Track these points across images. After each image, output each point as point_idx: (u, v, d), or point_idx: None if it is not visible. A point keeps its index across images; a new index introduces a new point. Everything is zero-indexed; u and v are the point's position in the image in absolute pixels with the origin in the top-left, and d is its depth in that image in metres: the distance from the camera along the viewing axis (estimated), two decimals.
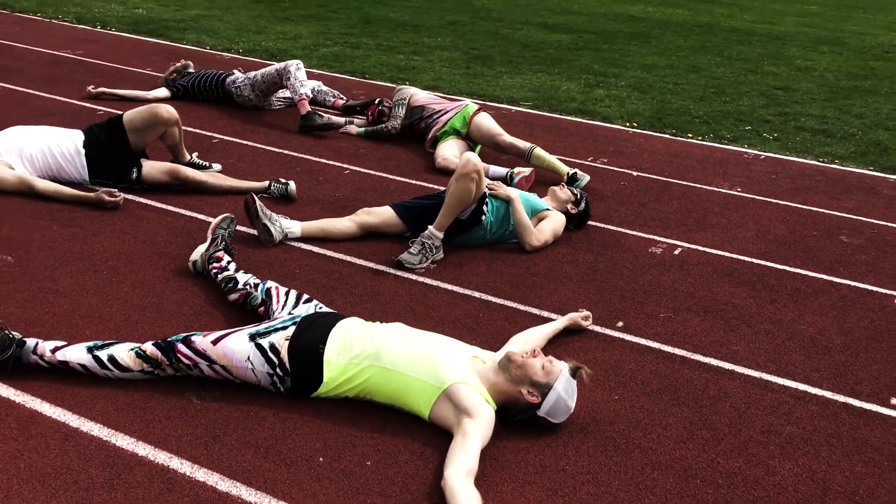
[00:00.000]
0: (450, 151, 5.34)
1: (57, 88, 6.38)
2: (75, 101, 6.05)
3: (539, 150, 5.21)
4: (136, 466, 2.35)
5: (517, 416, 2.67)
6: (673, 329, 3.47)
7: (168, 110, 4.48)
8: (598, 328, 3.41)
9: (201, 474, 2.34)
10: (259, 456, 2.44)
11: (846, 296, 3.95)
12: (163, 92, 6.33)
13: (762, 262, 4.26)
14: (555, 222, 4.26)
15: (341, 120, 6.06)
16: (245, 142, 5.53)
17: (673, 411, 2.88)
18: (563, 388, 2.64)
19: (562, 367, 2.67)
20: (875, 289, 4.06)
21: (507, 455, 2.55)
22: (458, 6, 13.77)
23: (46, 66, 7.14)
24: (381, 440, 2.57)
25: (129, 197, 4.33)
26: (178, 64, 6.58)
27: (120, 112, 4.52)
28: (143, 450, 2.42)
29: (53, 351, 2.72)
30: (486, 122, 5.49)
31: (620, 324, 3.47)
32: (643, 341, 3.35)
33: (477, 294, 3.63)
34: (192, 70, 6.57)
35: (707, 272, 4.09)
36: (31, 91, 6.25)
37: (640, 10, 15.49)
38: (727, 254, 4.34)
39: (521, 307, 3.54)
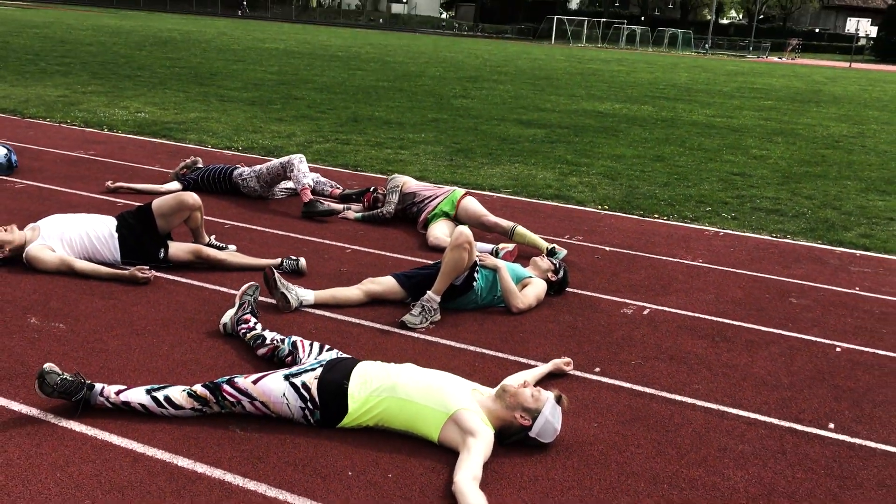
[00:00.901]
0: (440, 231, 5.95)
1: (77, 184, 6.97)
2: (96, 195, 6.63)
3: (521, 228, 5.84)
4: (198, 480, 2.82)
5: (512, 438, 3.16)
6: (643, 373, 4.00)
7: (193, 197, 5.07)
8: (578, 373, 3.93)
9: (252, 485, 2.81)
10: (297, 471, 2.92)
11: (793, 345, 4.52)
12: (175, 185, 6.93)
13: (720, 320, 4.84)
14: (537, 288, 4.83)
15: (340, 206, 6.67)
16: (254, 227, 6.11)
17: (643, 435, 3.39)
18: (550, 413, 3.15)
19: (548, 396, 3.19)
20: (819, 339, 4.63)
21: (505, 469, 3.04)
22: (439, 105, 14.72)
23: (65, 164, 7.76)
24: (399, 458, 3.05)
25: (158, 274, 4.86)
26: (188, 160, 7.21)
27: (137, 203, 5.10)
28: (201, 468, 2.89)
29: (118, 393, 3.20)
30: (472, 204, 6.12)
31: (598, 369, 4.00)
32: (618, 382, 3.87)
33: (472, 348, 4.16)
34: (200, 165, 7.21)
35: (672, 328, 4.65)
36: (55, 187, 6.83)
37: (608, 107, 16.55)
38: (690, 313, 4.91)
39: (511, 357, 4.07)
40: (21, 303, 4.29)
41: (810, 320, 4.94)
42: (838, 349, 4.51)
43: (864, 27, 67.59)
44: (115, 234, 4.93)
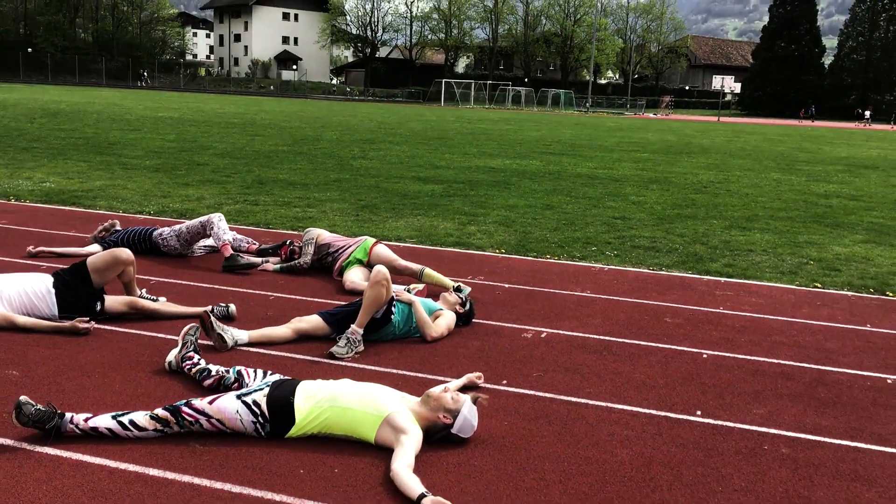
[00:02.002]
0: (356, 276, 6.51)
1: (0, 251, 7.19)
2: (19, 261, 6.87)
3: (429, 270, 6.47)
4: (169, 485, 3.26)
5: (437, 435, 3.73)
6: (543, 382, 4.65)
7: (126, 252, 5.47)
8: (488, 385, 4.54)
9: (218, 485, 3.27)
10: (256, 472, 3.39)
11: (668, 355, 5.29)
12: (95, 248, 7.24)
13: (607, 338, 5.57)
14: (448, 319, 5.45)
15: (258, 260, 7.15)
16: (179, 281, 6.50)
17: (546, 428, 4.02)
18: (468, 412, 3.74)
19: (465, 398, 3.79)
20: (689, 349, 5.42)
21: (432, 458, 3.60)
22: (340, 166, 15.35)
23: None
24: (342, 457, 3.57)
25: (97, 325, 5.21)
26: (107, 223, 7.54)
27: (62, 266, 5.46)
28: (170, 475, 3.32)
29: (86, 420, 3.60)
30: (383, 251, 6.73)
31: (504, 381, 4.63)
32: (522, 391, 4.51)
33: (394, 370, 4.72)
34: (118, 228, 7.54)
35: (566, 347, 5.34)
36: None
37: (499, 163, 17.59)
38: (581, 334, 5.63)
39: (429, 376, 4.65)
40: None
41: (682, 335, 5.74)
42: (705, 356, 5.29)
43: (728, 84, 72.81)
44: (52, 290, 5.27)
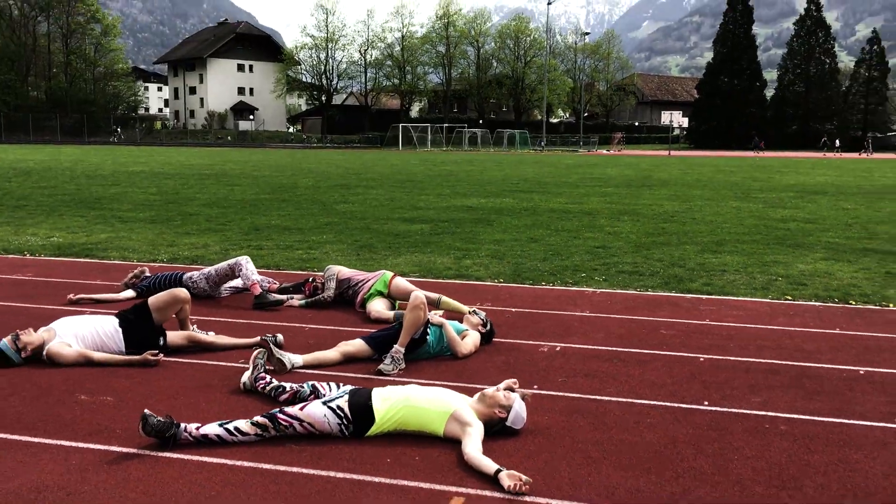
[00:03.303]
0: (379, 306, 7.17)
1: (41, 301, 7.69)
2: (63, 308, 7.39)
3: (445, 298, 7.16)
4: (284, 475, 3.87)
5: (494, 428, 4.40)
6: (569, 386, 5.35)
7: (184, 292, 6.07)
8: (522, 389, 5.22)
9: (324, 472, 3.89)
10: (351, 462, 4.02)
11: (669, 360, 6.03)
12: (130, 293, 7.79)
13: (614, 349, 6.29)
14: (474, 337, 6.14)
15: (284, 297, 7.76)
16: (216, 318, 7.09)
17: (580, 420, 4.71)
18: (519, 407, 4.42)
19: (515, 395, 4.47)
20: (686, 355, 6.17)
21: (493, 446, 4.26)
22: (326, 211, 16.02)
23: (12, 287, 8.40)
24: (418, 448, 4.21)
25: (163, 357, 5.79)
26: (136, 270, 8.10)
27: (106, 311, 6.04)
28: (281, 468, 3.94)
29: (197, 429, 4.19)
30: (402, 282, 7.40)
31: (535, 386, 5.31)
32: (552, 393, 5.20)
33: (437, 382, 5.38)
34: (148, 273, 8.11)
35: (581, 357, 6.05)
36: (22, 305, 7.53)
37: (475, 202, 18.41)
38: (590, 346, 6.35)
39: (466, 385, 5.31)
40: (61, 387, 5.14)
41: (678, 343, 6.49)
42: (702, 359, 6.05)
43: (676, 119, 75.30)
44: (119, 329, 5.84)
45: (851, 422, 4.76)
